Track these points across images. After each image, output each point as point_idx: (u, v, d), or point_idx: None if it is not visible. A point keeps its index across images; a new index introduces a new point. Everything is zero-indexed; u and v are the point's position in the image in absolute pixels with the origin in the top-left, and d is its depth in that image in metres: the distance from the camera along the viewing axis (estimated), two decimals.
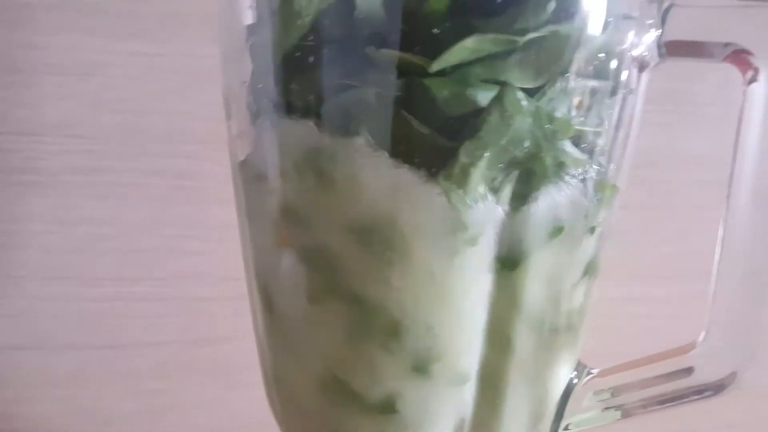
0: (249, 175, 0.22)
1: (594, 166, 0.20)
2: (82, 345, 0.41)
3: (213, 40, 0.38)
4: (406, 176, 0.18)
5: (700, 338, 0.22)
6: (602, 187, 0.20)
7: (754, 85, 0.19)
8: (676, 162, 0.46)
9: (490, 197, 0.18)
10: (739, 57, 0.19)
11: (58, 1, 0.38)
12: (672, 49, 0.20)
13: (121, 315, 0.41)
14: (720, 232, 0.21)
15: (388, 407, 0.20)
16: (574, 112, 0.19)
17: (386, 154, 0.18)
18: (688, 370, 0.22)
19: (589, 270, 0.22)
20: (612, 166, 0.21)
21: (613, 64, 0.20)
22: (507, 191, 0.19)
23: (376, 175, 0.18)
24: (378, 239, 0.18)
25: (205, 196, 0.40)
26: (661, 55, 0.20)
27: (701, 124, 0.44)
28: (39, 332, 0.40)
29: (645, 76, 0.20)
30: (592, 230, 0.21)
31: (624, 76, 0.20)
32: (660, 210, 0.46)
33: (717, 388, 0.21)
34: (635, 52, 0.20)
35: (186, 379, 0.42)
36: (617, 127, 0.21)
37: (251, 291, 0.23)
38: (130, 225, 0.40)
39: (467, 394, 0.21)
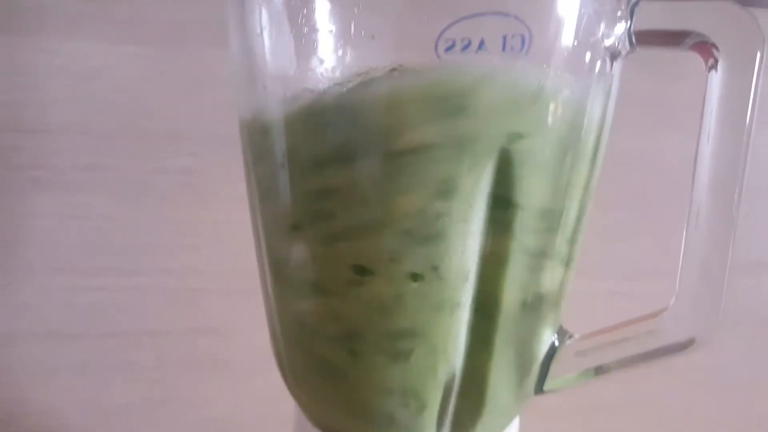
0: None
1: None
2: (85, 334, 0.42)
3: (214, 46, 0.40)
4: None
5: (671, 303, 0.24)
6: None
7: (713, 73, 0.21)
8: (653, 163, 0.48)
9: None
10: (703, 46, 0.21)
11: (66, 8, 0.40)
12: (641, 38, 0.22)
13: (122, 305, 0.42)
14: (688, 210, 0.23)
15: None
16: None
17: None
18: (659, 331, 0.24)
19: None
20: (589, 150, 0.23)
21: (588, 54, 0.22)
22: None
23: None
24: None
25: (206, 193, 0.42)
26: (631, 44, 0.22)
27: (678, 126, 0.46)
28: (46, 321, 0.42)
29: (617, 64, 0.23)
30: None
31: (598, 65, 0.22)
32: (637, 209, 0.48)
33: (681, 347, 0.24)
34: (607, 42, 0.22)
35: (184, 369, 0.43)
36: (594, 111, 0.23)
37: (261, 259, 0.25)
38: (133, 220, 0.42)
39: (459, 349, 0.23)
